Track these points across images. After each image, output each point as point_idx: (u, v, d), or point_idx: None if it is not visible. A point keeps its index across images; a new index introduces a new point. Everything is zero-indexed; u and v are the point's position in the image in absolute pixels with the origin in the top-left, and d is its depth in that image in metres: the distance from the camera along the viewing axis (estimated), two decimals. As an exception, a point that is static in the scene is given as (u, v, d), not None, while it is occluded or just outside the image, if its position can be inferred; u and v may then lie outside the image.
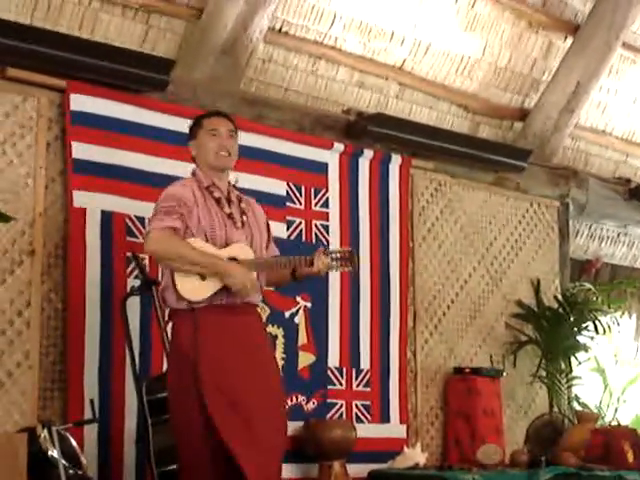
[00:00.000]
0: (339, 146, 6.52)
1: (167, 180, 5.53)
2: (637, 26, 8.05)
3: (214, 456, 4.41)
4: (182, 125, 5.66)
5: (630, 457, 6.76)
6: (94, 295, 5.26)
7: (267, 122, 6.19)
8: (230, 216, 4.62)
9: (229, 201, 4.68)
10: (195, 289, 4.48)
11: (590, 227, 8.68)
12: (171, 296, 4.54)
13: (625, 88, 8.35)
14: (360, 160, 6.65)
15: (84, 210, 5.28)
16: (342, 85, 6.81)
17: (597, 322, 7.51)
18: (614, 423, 7.92)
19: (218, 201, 4.64)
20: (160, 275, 5.06)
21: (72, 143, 5.29)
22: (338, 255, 4.73)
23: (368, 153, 6.68)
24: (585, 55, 7.72)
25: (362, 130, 6.65)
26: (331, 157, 6.49)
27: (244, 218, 4.68)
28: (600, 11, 7.68)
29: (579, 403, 8.05)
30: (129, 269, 5.37)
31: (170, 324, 4.69)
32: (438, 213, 7.17)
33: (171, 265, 4.51)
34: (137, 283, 5.22)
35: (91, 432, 5.07)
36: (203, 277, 4.50)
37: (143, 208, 5.47)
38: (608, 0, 7.65)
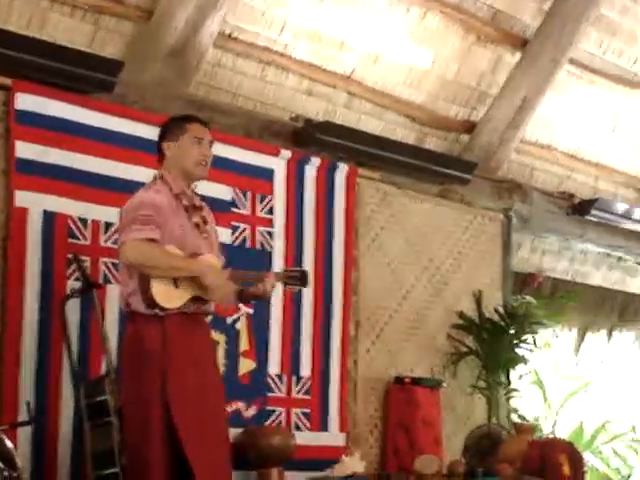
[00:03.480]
0: (286, 153, 6.52)
1: (112, 182, 5.55)
2: (584, 43, 8.14)
3: (168, 461, 4.46)
4: (129, 127, 5.70)
5: (566, 470, 6.80)
6: (33, 296, 5.19)
7: (215, 127, 6.15)
8: (197, 226, 4.66)
9: (194, 210, 4.69)
10: (169, 296, 4.49)
11: (533, 240, 8.75)
12: (139, 302, 4.50)
13: (571, 104, 8.43)
14: (307, 168, 6.65)
15: (26, 210, 5.22)
16: (291, 92, 6.81)
17: (537, 335, 7.57)
18: (551, 436, 7.99)
19: (186, 210, 4.65)
20: (102, 279, 5.03)
21: (16, 142, 5.22)
22: (290, 274, 4.89)
23: (315, 161, 6.69)
24: (532, 70, 7.79)
25: (309, 138, 6.65)
26: (278, 164, 6.49)
27: (207, 227, 4.74)
28: (548, 27, 7.75)
29: (518, 415, 8.12)
30: (70, 271, 5.31)
31: (130, 327, 4.63)
32: (383, 223, 7.20)
33: (150, 272, 4.44)
34: (77, 285, 5.21)
35: (25, 434, 5.00)
36: (176, 285, 4.52)
37: (86, 209, 5.45)
38: (557, 16, 7.73)
